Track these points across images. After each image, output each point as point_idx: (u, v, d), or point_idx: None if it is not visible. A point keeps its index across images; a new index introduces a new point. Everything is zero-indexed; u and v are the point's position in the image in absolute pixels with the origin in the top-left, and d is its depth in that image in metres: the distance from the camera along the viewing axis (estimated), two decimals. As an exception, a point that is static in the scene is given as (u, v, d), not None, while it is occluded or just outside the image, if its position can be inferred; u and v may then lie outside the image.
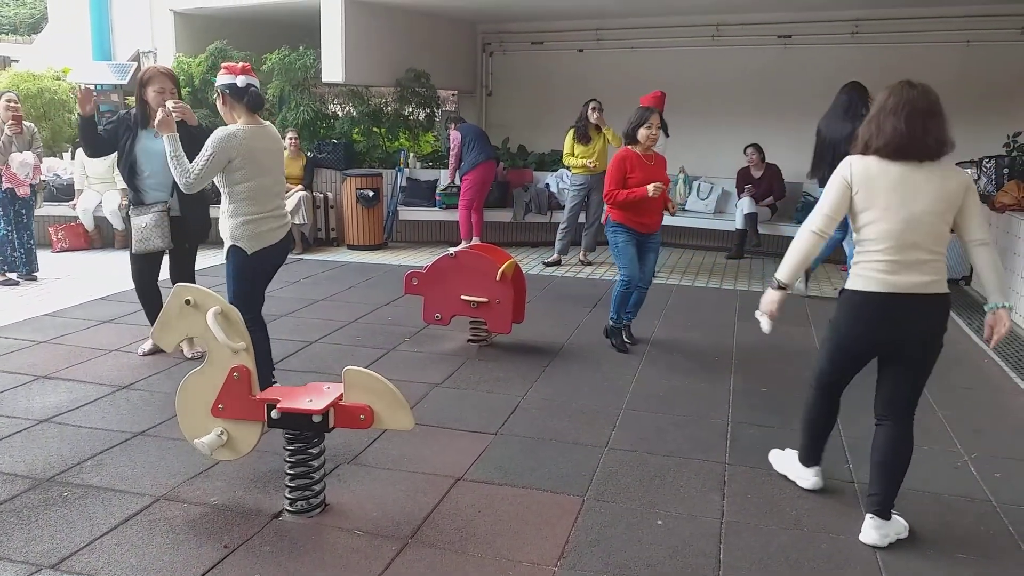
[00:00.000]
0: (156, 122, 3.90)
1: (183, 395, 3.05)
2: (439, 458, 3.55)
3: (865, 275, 2.91)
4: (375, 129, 9.75)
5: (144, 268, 4.75)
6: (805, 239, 2.99)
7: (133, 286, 4.85)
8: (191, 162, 3.73)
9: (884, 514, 2.94)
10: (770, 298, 3.08)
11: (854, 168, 2.90)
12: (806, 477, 3.32)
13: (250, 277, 3.89)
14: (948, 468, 3.59)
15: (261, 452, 3.32)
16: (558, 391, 4.44)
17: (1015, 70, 8.46)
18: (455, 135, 8.39)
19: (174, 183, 4.38)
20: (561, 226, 8.13)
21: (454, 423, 3.95)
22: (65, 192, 8.45)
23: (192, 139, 4.28)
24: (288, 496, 3.02)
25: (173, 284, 4.64)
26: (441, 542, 2.87)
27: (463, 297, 5.03)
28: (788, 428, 3.96)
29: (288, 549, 2.81)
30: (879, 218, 2.85)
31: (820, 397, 3.22)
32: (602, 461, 3.56)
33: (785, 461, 3.45)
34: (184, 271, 4.74)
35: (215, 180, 3.81)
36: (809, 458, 3.32)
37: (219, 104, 3.86)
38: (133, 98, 4.73)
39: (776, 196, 8.55)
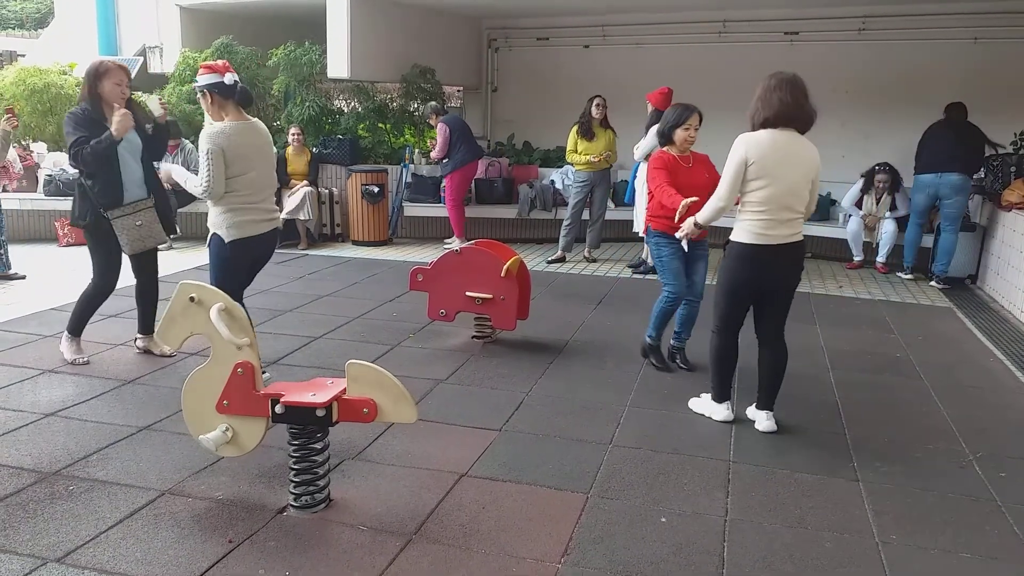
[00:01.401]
0: (163, 175, 4.31)
1: (188, 391, 3.06)
2: (443, 454, 3.55)
3: (750, 230, 3.63)
4: (380, 125, 9.74)
5: (143, 266, 4.74)
6: (714, 207, 3.75)
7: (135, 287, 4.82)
8: (195, 175, 3.91)
9: (770, 406, 3.89)
10: (689, 227, 3.95)
11: (748, 146, 3.57)
12: (719, 411, 3.98)
13: (226, 266, 4.00)
14: (953, 467, 3.59)
15: (266, 447, 3.33)
16: (562, 388, 4.44)
17: (1022, 67, 8.41)
18: (442, 127, 8.30)
19: (146, 177, 4.53)
20: (565, 223, 8.11)
21: (458, 419, 3.96)
22: (71, 187, 8.45)
23: (156, 136, 4.58)
24: (292, 491, 3.03)
25: (141, 283, 4.78)
26: (445, 538, 2.88)
27: (468, 293, 5.03)
28: (792, 426, 3.97)
29: (292, 544, 2.82)
30: (766, 185, 3.56)
31: (723, 339, 3.91)
32: (606, 458, 3.57)
33: (702, 403, 4.10)
34: (149, 268, 4.76)
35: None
36: (720, 395, 3.98)
37: (204, 103, 3.92)
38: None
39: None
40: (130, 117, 4.25)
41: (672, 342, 4.81)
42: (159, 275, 4.86)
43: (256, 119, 4.10)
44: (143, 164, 4.52)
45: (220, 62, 3.96)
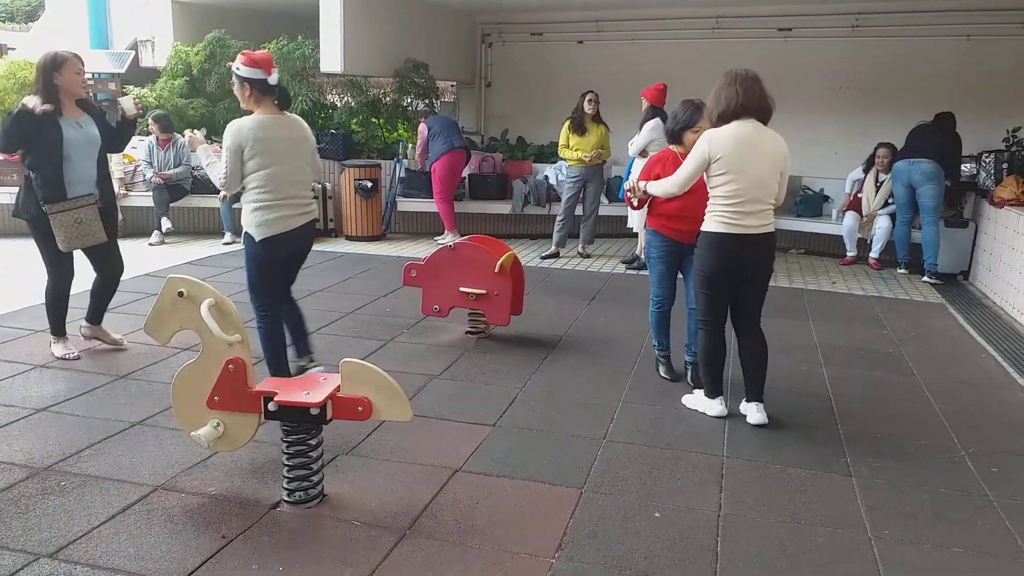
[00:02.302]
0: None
1: (178, 387, 3.04)
2: (437, 450, 3.55)
3: (719, 220, 3.76)
4: (373, 120, 9.71)
5: (98, 261, 4.64)
6: (665, 188, 3.98)
7: (49, 291, 4.59)
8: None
9: (759, 398, 3.94)
10: (638, 186, 4.16)
11: (712, 143, 3.72)
12: (713, 407, 4.02)
13: (260, 264, 3.93)
14: (945, 462, 3.60)
15: (259, 442, 3.32)
16: (556, 383, 4.44)
17: (1015, 65, 8.44)
18: (422, 128, 8.50)
19: (98, 174, 4.45)
20: (558, 218, 8.11)
21: (452, 415, 3.95)
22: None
23: (114, 128, 4.52)
24: (286, 487, 3.02)
25: (101, 278, 4.71)
26: (439, 533, 2.88)
27: (462, 289, 5.02)
28: (786, 422, 3.98)
29: (286, 540, 2.81)
30: (733, 179, 3.69)
31: (710, 334, 3.96)
32: (600, 453, 3.57)
33: (695, 400, 4.15)
34: (113, 261, 4.71)
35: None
36: (713, 391, 4.02)
37: (240, 92, 3.85)
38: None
39: (776, 190, 8.53)
40: (36, 101, 4.14)
41: (686, 357, 4.54)
42: (153, 270, 4.82)
43: (293, 114, 4.01)
44: (97, 160, 4.43)
45: (265, 53, 3.85)
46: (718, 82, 3.77)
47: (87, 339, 4.79)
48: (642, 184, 4.17)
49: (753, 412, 3.94)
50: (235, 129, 3.76)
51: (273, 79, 3.81)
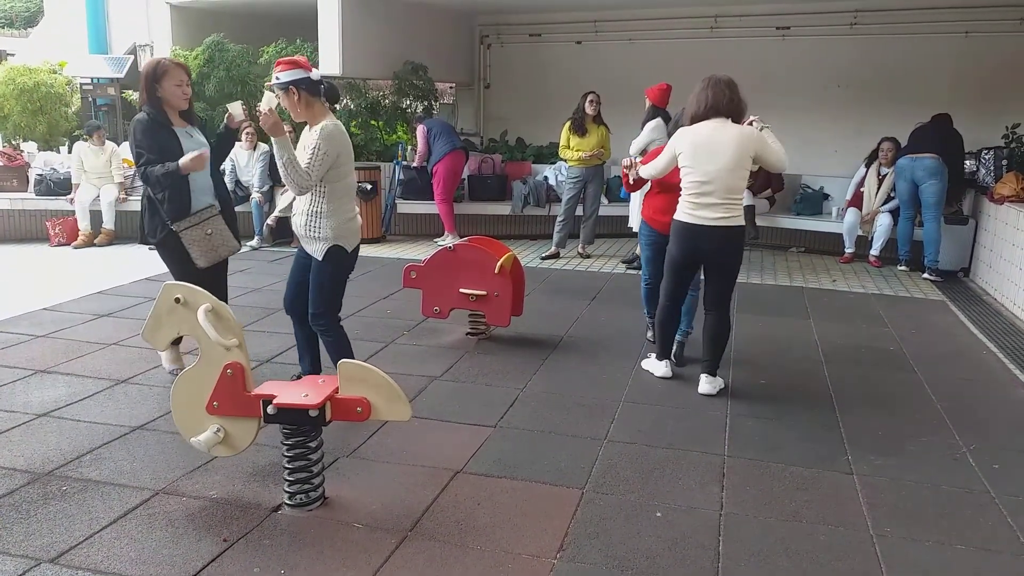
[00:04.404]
0: (268, 125, 3.44)
1: (177, 393, 3.04)
2: (438, 451, 3.55)
3: (681, 210, 4.16)
4: (372, 122, 9.71)
5: (215, 281, 4.06)
6: (647, 172, 4.44)
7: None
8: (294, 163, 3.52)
9: (713, 371, 4.31)
10: (631, 164, 4.60)
11: (678, 138, 4.15)
12: (659, 368, 4.52)
13: (345, 276, 3.84)
14: (947, 459, 3.60)
15: (259, 446, 3.32)
16: (557, 384, 4.44)
17: (1014, 61, 8.44)
18: (422, 128, 8.49)
19: (214, 183, 4.20)
20: (558, 219, 8.11)
21: (453, 416, 3.95)
22: (62, 186, 8.42)
23: (221, 142, 4.29)
24: (287, 490, 3.02)
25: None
26: (440, 535, 2.88)
27: (462, 290, 5.02)
28: (787, 420, 3.98)
29: (288, 543, 2.81)
30: (690, 172, 4.07)
31: (666, 307, 4.40)
32: (601, 453, 3.57)
33: (647, 363, 4.65)
34: (219, 284, 4.28)
35: None
36: (661, 354, 4.53)
37: (289, 101, 3.58)
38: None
39: (774, 188, 8.53)
40: (204, 160, 3.95)
41: (676, 336, 4.72)
42: (152, 275, 4.80)
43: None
44: (211, 168, 4.17)
45: (299, 56, 3.70)
46: (695, 87, 4.12)
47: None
48: (637, 162, 4.56)
49: (703, 383, 4.32)
50: (337, 132, 3.57)
51: (315, 75, 3.59)
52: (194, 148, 4.03)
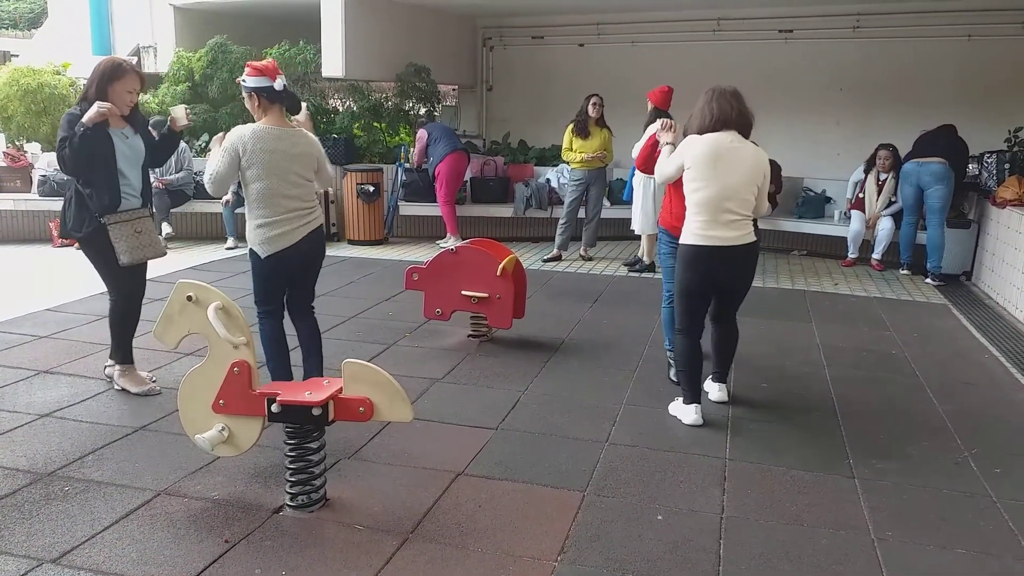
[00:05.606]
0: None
1: (185, 391, 3.05)
2: (440, 453, 3.55)
3: (692, 231, 3.81)
4: (375, 124, 9.73)
5: (136, 281, 4.21)
6: (658, 167, 4.10)
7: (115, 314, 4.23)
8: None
9: (723, 379, 4.21)
10: (664, 136, 4.20)
11: (686, 148, 3.82)
12: (688, 414, 3.95)
13: (264, 278, 3.86)
14: (949, 463, 3.60)
15: (262, 447, 3.33)
16: (558, 386, 4.44)
17: (1016, 65, 8.44)
18: (421, 133, 8.56)
19: (143, 187, 4.19)
20: (561, 221, 8.11)
21: (455, 418, 3.96)
22: (65, 187, 8.43)
23: (163, 143, 4.31)
24: (289, 491, 3.02)
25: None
26: (442, 537, 2.88)
27: (464, 292, 5.03)
28: (788, 423, 3.98)
29: (289, 544, 2.81)
30: (702, 187, 3.75)
31: (685, 341, 3.97)
32: (602, 456, 3.57)
33: (675, 407, 4.08)
34: (137, 288, 4.28)
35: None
36: (690, 397, 3.98)
37: (250, 104, 3.75)
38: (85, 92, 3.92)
39: (775, 190, 8.52)
40: (109, 109, 3.87)
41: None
42: (152, 275, 4.79)
43: (297, 128, 3.86)
44: (142, 173, 4.20)
45: (269, 62, 3.76)
46: (699, 100, 3.87)
47: (108, 380, 4.34)
48: (665, 138, 4.19)
49: (714, 391, 4.20)
50: (237, 133, 3.70)
51: (279, 85, 3.70)
52: (129, 150, 4.07)
